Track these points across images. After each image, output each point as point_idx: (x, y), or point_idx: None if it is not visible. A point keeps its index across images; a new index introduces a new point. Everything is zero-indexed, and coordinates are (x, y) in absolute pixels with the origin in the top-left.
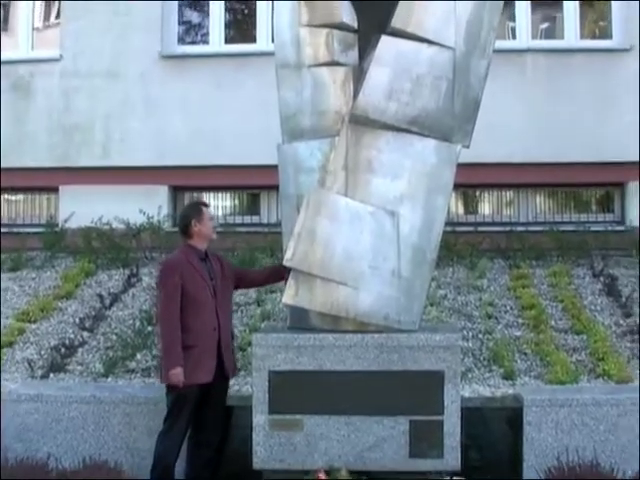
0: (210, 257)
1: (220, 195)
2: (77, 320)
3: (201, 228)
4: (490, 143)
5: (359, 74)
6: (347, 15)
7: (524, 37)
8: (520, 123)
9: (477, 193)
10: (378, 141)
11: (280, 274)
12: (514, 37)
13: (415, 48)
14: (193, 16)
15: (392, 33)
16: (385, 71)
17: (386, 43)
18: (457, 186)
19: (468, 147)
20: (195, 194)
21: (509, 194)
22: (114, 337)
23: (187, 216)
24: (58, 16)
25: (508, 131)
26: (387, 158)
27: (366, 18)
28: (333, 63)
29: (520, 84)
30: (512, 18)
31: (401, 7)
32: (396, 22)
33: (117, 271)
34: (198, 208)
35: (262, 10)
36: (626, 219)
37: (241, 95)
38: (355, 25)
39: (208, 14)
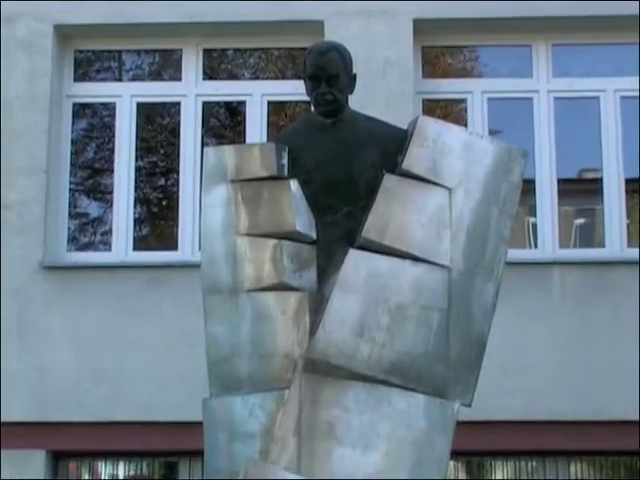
0: None
1: (122, 464)
2: None
3: None
4: (502, 394)
5: (318, 302)
6: (302, 221)
7: (549, 244)
8: (544, 365)
9: (486, 463)
10: (344, 396)
11: None
12: (535, 244)
13: (395, 267)
14: (90, 208)
15: (363, 246)
16: (353, 299)
17: (355, 260)
18: (457, 454)
19: (469, 405)
20: (86, 462)
21: (531, 464)
22: None
23: None
24: None
25: (527, 377)
26: (356, 421)
27: (328, 225)
28: (282, 287)
29: (544, 309)
30: (532, 212)
31: (375, 212)
32: (368, 231)
33: None
34: None
35: (186, 205)
36: None
37: (153, 323)
38: (313, 235)
39: (111, 206)
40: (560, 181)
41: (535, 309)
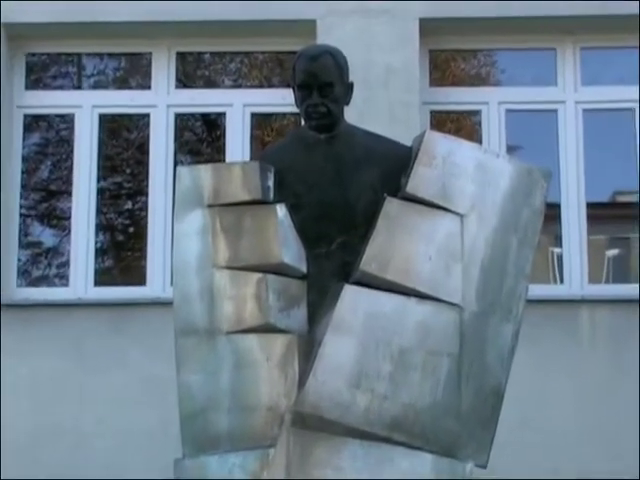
0: None
1: None
2: None
3: None
4: (523, 452)
5: (308, 347)
6: (290, 252)
7: (577, 279)
8: (572, 418)
9: None
10: (338, 455)
11: None
12: (561, 279)
13: (398, 306)
14: (44, 236)
15: (361, 282)
16: (350, 343)
17: (351, 298)
18: None
19: (485, 467)
20: None
21: None
22: None
23: None
24: None
25: (552, 432)
26: None
27: (320, 257)
28: (267, 329)
29: (571, 354)
30: (558, 242)
31: (375, 242)
32: (367, 264)
33: None
34: None
35: (156, 233)
36: None
37: (118, 370)
38: (303, 268)
39: (69, 234)
40: (590, 206)
41: (561, 354)
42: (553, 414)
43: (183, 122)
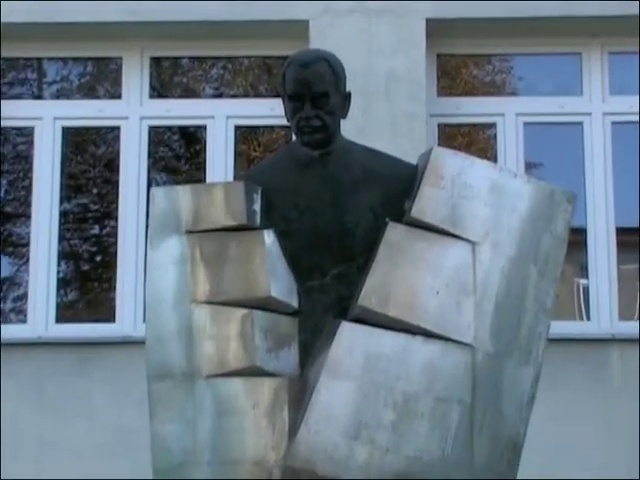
0: None
1: None
2: None
3: None
4: None
5: (300, 393)
6: (280, 285)
7: (606, 314)
8: (598, 470)
9: None
10: None
11: None
12: (588, 315)
13: (401, 346)
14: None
15: (359, 318)
16: (347, 388)
17: (349, 337)
18: None
19: None
20: None
21: None
22: None
23: None
24: None
25: None
26: None
27: (314, 291)
28: (253, 372)
29: (599, 400)
30: (584, 273)
31: (375, 273)
32: (366, 299)
33: None
34: None
35: (127, 263)
36: None
37: (82, 418)
38: (294, 303)
39: (27, 263)
40: (620, 231)
41: (588, 400)
42: (579, 467)
43: (158, 136)
